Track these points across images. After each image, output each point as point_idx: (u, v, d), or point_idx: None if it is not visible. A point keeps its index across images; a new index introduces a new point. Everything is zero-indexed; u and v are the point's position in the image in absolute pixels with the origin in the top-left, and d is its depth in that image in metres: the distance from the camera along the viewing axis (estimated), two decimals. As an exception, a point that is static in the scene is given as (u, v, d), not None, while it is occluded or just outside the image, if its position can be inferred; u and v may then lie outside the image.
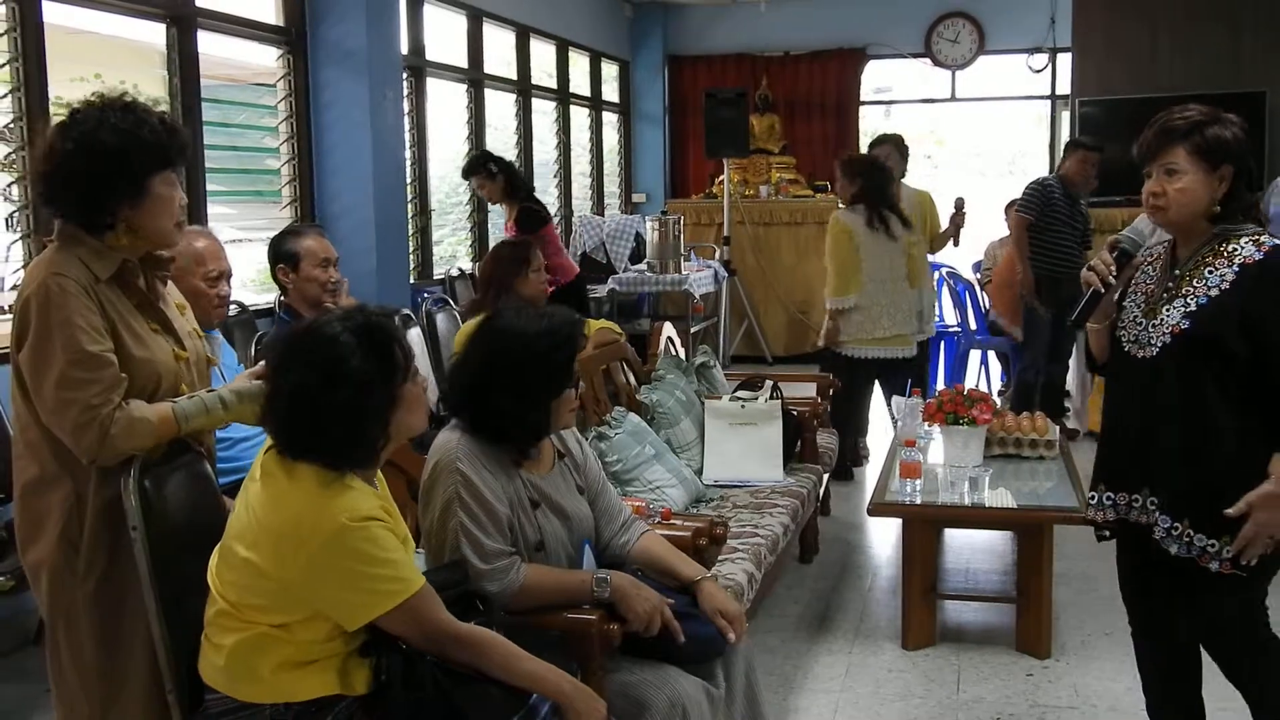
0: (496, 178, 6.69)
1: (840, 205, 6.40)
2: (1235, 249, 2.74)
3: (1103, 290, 2.89)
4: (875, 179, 6.15)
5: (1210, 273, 2.76)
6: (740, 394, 4.79)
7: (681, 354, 5.42)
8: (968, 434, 4.29)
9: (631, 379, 4.85)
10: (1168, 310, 2.80)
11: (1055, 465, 4.39)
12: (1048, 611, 3.94)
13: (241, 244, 5.55)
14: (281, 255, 3.87)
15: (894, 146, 6.64)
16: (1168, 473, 2.80)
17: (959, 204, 6.62)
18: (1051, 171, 7.66)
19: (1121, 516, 2.92)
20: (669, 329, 5.51)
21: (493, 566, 2.56)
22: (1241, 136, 2.73)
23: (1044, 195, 6.78)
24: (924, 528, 3.98)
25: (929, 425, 4.45)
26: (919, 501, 3.92)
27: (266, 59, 5.91)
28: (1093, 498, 2.97)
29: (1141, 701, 3.60)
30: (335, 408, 2.12)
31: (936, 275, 8.93)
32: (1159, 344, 2.80)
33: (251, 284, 5.73)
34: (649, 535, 2.91)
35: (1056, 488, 4.11)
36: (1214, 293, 2.76)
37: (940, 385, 8.50)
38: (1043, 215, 6.74)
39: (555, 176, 9.66)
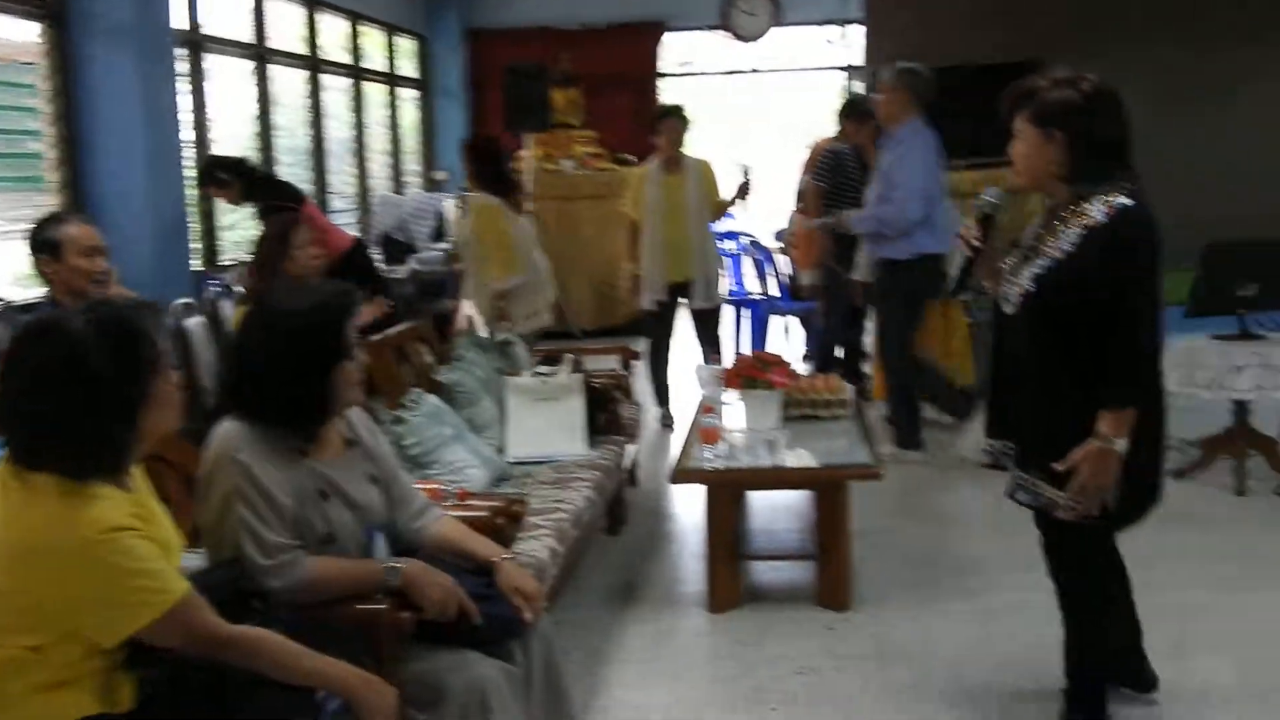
0: (230, 184, 6.33)
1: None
2: (1086, 211, 2.84)
3: (970, 255, 3.05)
4: (491, 163, 6.15)
5: (1061, 235, 2.87)
6: (541, 370, 4.76)
7: (484, 332, 5.35)
8: (765, 398, 4.36)
9: (430, 359, 4.75)
10: (1024, 271, 2.93)
11: (850, 424, 4.50)
12: (846, 566, 4.04)
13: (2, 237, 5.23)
14: (41, 244, 3.64)
15: (679, 118, 6.69)
16: (1021, 425, 2.99)
17: (745, 171, 6.72)
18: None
19: (998, 462, 3.12)
20: (469, 308, 5.42)
21: (276, 561, 2.46)
22: (1076, 101, 2.80)
23: (836, 162, 6.95)
24: (725, 492, 4.03)
25: (728, 391, 4.50)
26: (719, 467, 3.97)
27: (26, 35, 5.56)
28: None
29: (934, 649, 3.75)
30: (72, 410, 1.97)
31: (735, 244, 9.11)
32: (1016, 302, 2.94)
33: (20, 279, 5.40)
34: (444, 520, 2.85)
35: (851, 446, 4.22)
36: (1060, 255, 2.87)
37: (745, 351, 8.67)
38: (835, 181, 6.90)
39: (351, 155, 9.42)
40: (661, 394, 7.02)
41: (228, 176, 6.31)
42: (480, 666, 2.55)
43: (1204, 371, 5.09)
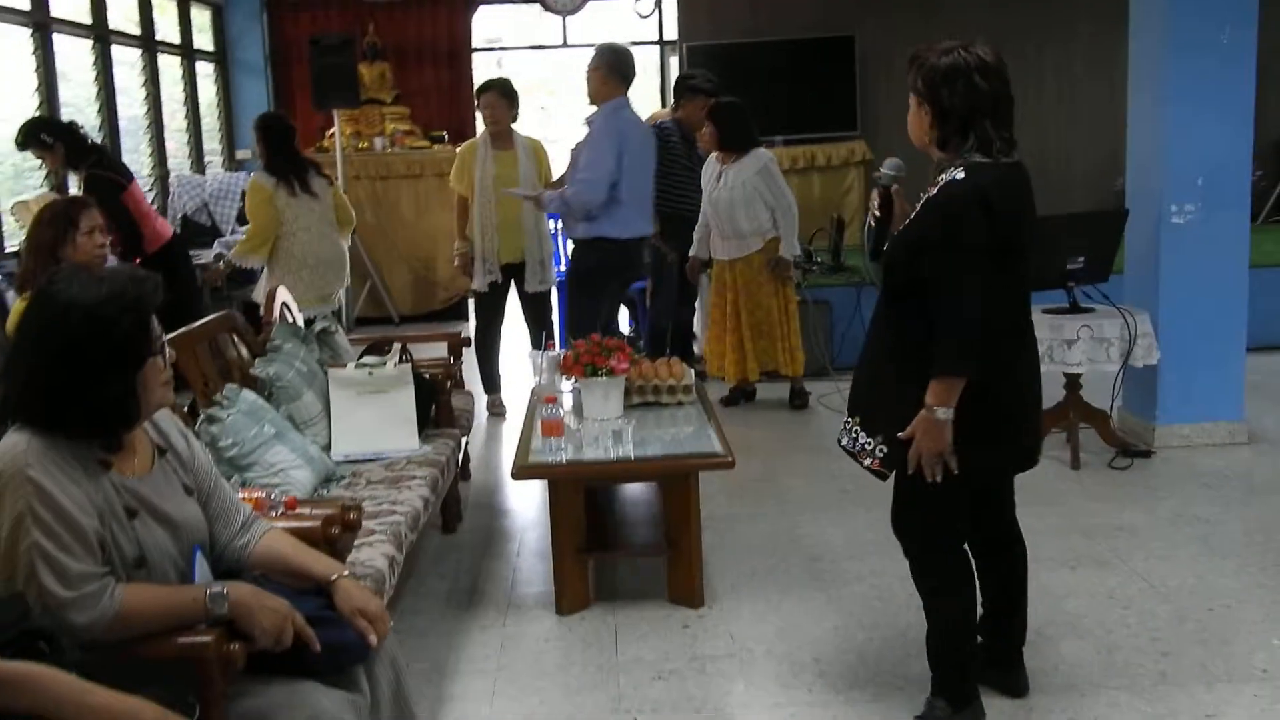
0: (54, 146, 5.95)
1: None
2: (937, 181, 2.86)
3: (873, 224, 3.19)
4: (277, 141, 5.98)
5: (918, 204, 2.92)
6: (367, 360, 4.44)
7: (300, 320, 4.98)
8: (607, 385, 4.16)
9: (244, 352, 4.38)
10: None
11: (694, 410, 4.33)
12: (698, 560, 3.87)
13: None
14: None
15: (499, 93, 6.40)
16: (857, 384, 3.07)
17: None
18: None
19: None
20: (284, 294, 5.05)
21: (79, 593, 2.13)
22: (937, 70, 2.82)
23: (661, 140, 6.78)
24: (570, 487, 3.81)
25: (568, 379, 4.27)
26: (563, 460, 3.74)
27: None
28: None
29: (794, 641, 3.62)
30: None
31: (557, 224, 8.88)
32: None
33: None
34: (273, 533, 2.55)
35: (697, 432, 4.05)
36: (904, 225, 2.95)
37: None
38: (661, 160, 6.74)
39: (146, 133, 8.79)
40: (491, 380, 6.76)
41: (51, 139, 5.92)
42: (321, 699, 2.27)
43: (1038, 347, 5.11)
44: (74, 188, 6.26)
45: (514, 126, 6.52)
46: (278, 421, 3.91)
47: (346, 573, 2.49)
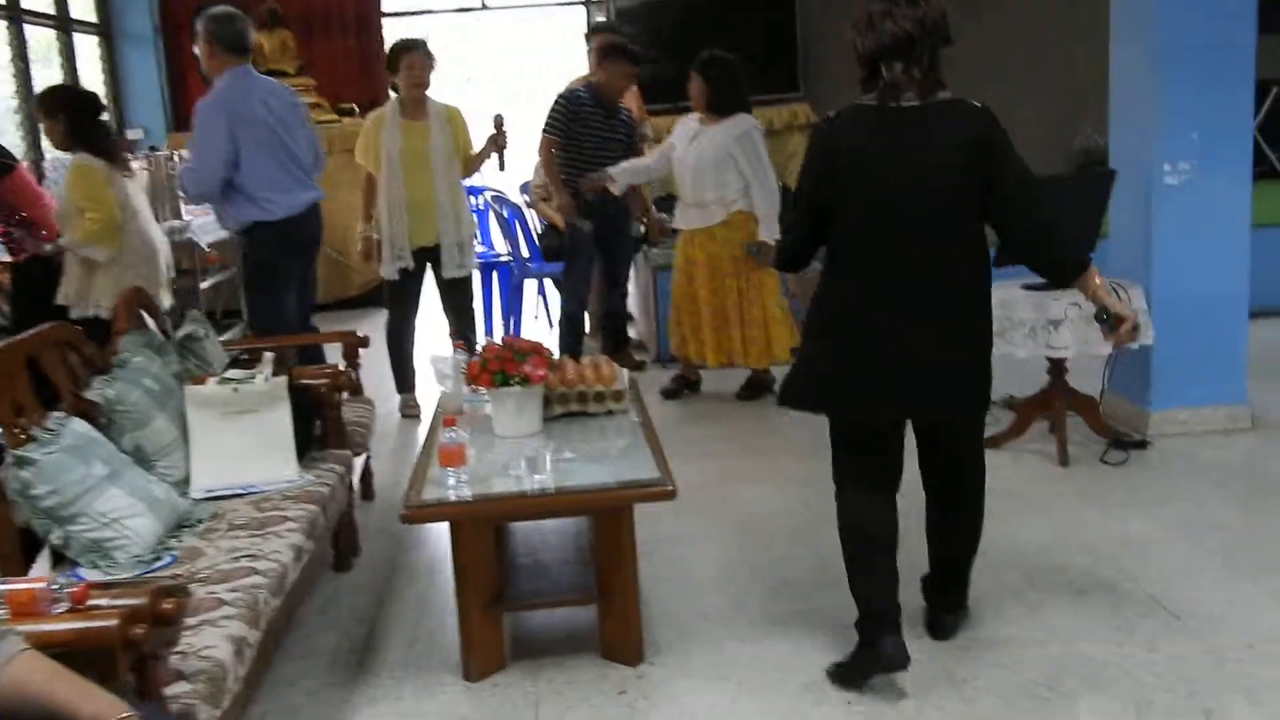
0: None
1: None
2: None
3: None
4: (90, 116, 5.10)
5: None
6: (231, 374, 3.69)
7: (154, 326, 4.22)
8: (521, 397, 3.45)
9: (80, 370, 3.61)
10: None
11: (627, 421, 3.64)
12: (635, 609, 3.19)
13: None
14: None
15: (423, 53, 5.65)
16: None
17: (498, 121, 5.77)
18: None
19: None
20: (141, 293, 4.27)
21: None
22: (855, 22, 2.93)
23: (570, 109, 6.08)
24: (476, 529, 3.10)
25: (475, 389, 3.56)
26: (466, 497, 3.02)
27: None
28: None
29: (756, 706, 2.96)
30: None
31: (480, 200, 8.14)
32: None
33: None
34: (24, 658, 1.82)
35: (630, 452, 3.34)
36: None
37: (497, 321, 7.72)
38: (571, 130, 6.05)
39: (17, 113, 7.91)
40: (404, 379, 6.03)
41: None
42: None
43: (1018, 329, 4.48)
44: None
45: (429, 95, 5.77)
46: (113, 458, 3.16)
47: (127, 714, 1.77)
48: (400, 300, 5.91)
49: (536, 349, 3.50)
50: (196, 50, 5.23)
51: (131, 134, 9.45)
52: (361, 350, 4.70)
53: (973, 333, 2.99)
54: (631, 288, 6.91)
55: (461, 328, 6.00)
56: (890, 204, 2.88)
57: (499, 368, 3.42)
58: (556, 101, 6.16)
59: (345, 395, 4.35)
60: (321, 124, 8.93)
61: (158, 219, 7.07)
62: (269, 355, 3.75)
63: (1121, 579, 3.53)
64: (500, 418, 3.50)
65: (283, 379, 3.66)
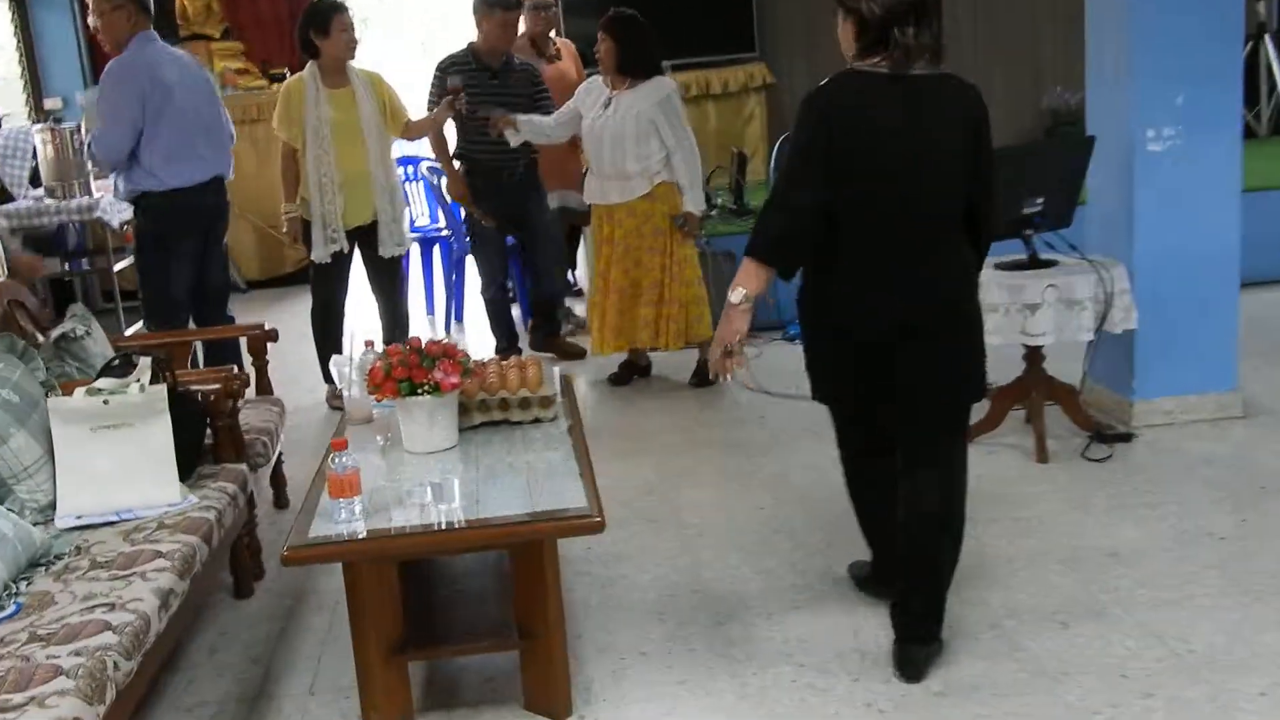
0: None
1: None
2: None
3: None
4: None
5: None
6: (101, 383, 3.23)
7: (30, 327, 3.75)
8: (432, 407, 3.02)
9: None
10: None
11: (556, 430, 3.21)
12: (560, 653, 2.77)
13: None
14: None
15: (348, 14, 5.19)
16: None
17: (455, 88, 5.32)
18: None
19: None
20: (12, 287, 3.81)
21: None
22: None
23: (442, 78, 5.58)
24: (374, 569, 2.67)
25: (377, 399, 3.12)
26: (359, 533, 2.59)
27: None
28: None
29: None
30: None
31: (406, 170, 7.68)
32: None
33: None
34: None
35: (557, 469, 2.91)
36: None
37: (440, 301, 7.25)
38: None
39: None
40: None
41: None
42: None
43: (991, 314, 4.07)
44: None
45: (348, 62, 5.30)
46: (-49, 488, 2.72)
47: None
48: (327, 282, 5.45)
49: (448, 351, 3.06)
50: (93, 19, 4.82)
51: (50, 103, 8.91)
52: (271, 344, 4.26)
53: (967, 316, 2.91)
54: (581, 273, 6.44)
55: (393, 309, 5.56)
56: (894, 180, 2.74)
57: (405, 375, 2.99)
58: (438, 69, 5.68)
59: (245, 398, 3.92)
60: (250, 90, 8.47)
61: (62, 195, 6.60)
62: (145, 360, 3.29)
63: (1111, 603, 3.15)
64: (409, 431, 3.07)
65: (161, 388, 3.21)
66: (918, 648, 2.87)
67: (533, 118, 5.40)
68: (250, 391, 4.13)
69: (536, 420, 3.25)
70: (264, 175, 8.47)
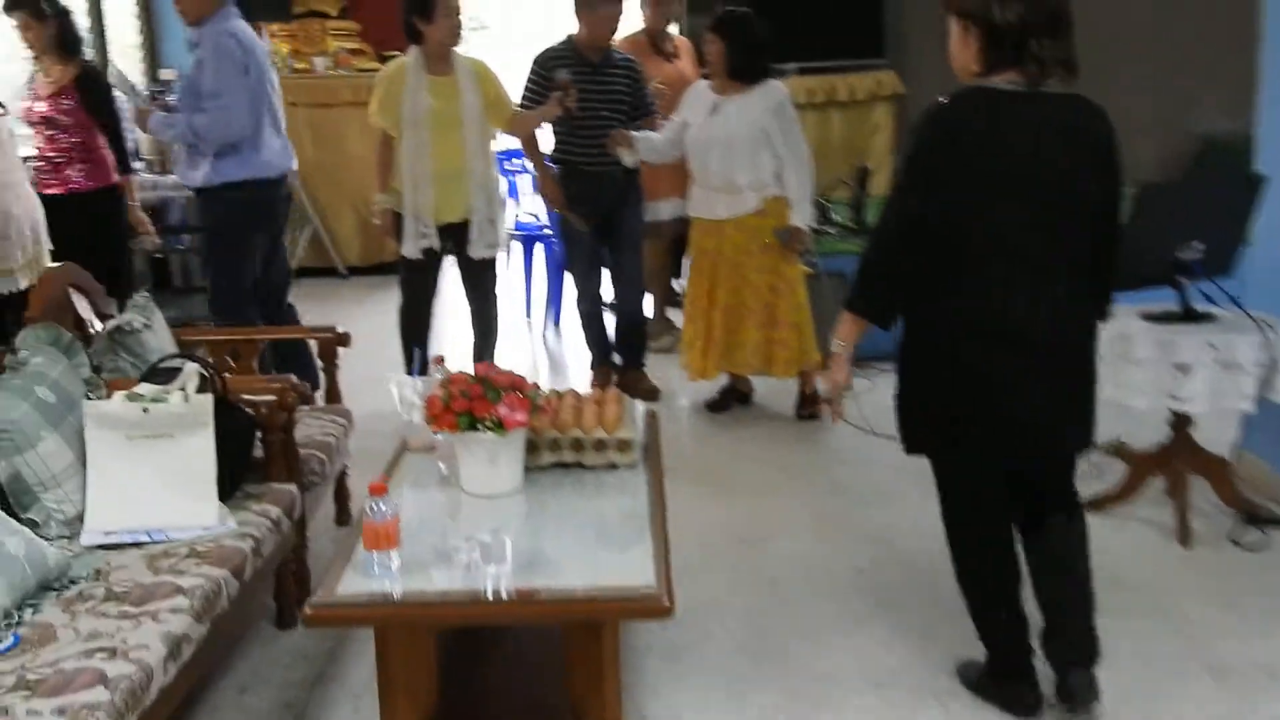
0: (48, 20, 5.17)
1: None
2: None
3: None
4: None
5: None
6: (142, 389, 2.96)
7: (95, 320, 3.52)
8: (494, 446, 2.68)
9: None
10: None
11: (633, 478, 2.85)
12: (617, 744, 2.41)
13: None
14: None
15: None
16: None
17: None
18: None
19: None
20: (73, 271, 3.57)
21: None
22: None
23: (544, 74, 5.19)
24: (408, 637, 2.35)
25: (439, 433, 2.79)
26: (393, 596, 2.26)
27: None
28: None
29: None
30: None
31: (514, 164, 7.41)
32: None
33: None
34: None
35: (628, 534, 2.55)
36: None
37: (541, 304, 6.93)
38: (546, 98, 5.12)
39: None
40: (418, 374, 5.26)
41: (50, 10, 5.17)
42: None
43: (1135, 370, 3.61)
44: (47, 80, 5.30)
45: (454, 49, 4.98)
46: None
47: None
48: (418, 281, 5.15)
49: (516, 383, 2.72)
50: None
51: (166, 74, 8.82)
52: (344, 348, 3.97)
53: (1090, 357, 2.70)
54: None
55: (484, 315, 5.25)
56: (1022, 208, 2.53)
57: (465, 407, 2.66)
58: (533, 67, 5.31)
59: (312, 406, 3.65)
60: (362, 72, 8.20)
61: (160, 169, 6.44)
62: (190, 367, 3.01)
63: (1265, 731, 2.69)
64: (468, 471, 2.74)
65: (206, 398, 2.93)
66: (1080, 671, 2.70)
67: (649, 136, 5.03)
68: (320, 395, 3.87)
69: (612, 465, 2.89)
70: (369, 159, 8.27)
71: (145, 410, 2.88)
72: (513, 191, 7.88)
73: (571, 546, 2.47)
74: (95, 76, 5.42)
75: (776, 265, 4.81)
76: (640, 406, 3.21)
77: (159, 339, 3.56)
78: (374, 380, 5.36)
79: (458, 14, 4.86)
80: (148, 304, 3.64)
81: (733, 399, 5.23)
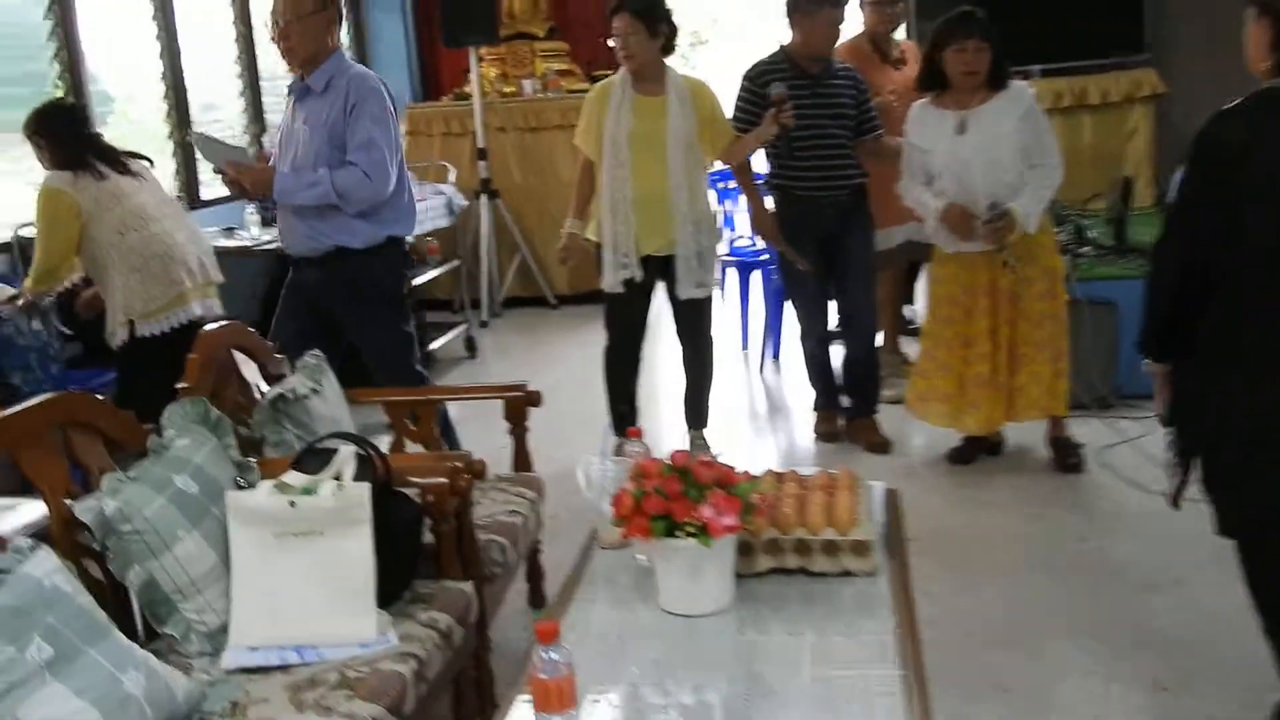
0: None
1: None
2: None
3: None
4: (67, 130, 4.34)
5: None
6: (291, 476, 2.54)
7: (261, 383, 3.17)
8: (697, 557, 2.14)
9: (100, 459, 2.57)
10: None
11: (873, 590, 2.26)
12: None
13: None
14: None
15: (632, 15, 4.33)
16: None
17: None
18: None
19: None
20: (236, 331, 3.23)
21: None
22: None
23: (757, 91, 4.57)
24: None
25: (628, 537, 2.27)
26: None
27: None
28: None
29: None
30: None
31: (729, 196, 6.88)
32: None
33: None
34: None
35: (870, 684, 1.96)
36: None
37: (755, 341, 6.37)
38: (762, 116, 4.49)
39: (239, 78, 7.21)
40: (621, 419, 4.79)
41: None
42: None
43: None
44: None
45: (668, 63, 4.49)
46: (72, 625, 2.07)
47: None
48: (622, 320, 4.68)
49: (723, 477, 2.18)
50: (278, 23, 3.81)
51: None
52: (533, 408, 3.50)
53: None
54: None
55: (695, 357, 4.74)
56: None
57: (662, 508, 2.13)
58: (744, 81, 4.70)
59: (495, 478, 3.21)
60: (572, 94, 7.84)
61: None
62: (346, 450, 2.58)
63: None
64: (666, 584, 2.21)
65: (363, 490, 2.49)
66: None
67: (924, 200, 4.28)
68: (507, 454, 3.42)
69: (846, 574, 2.31)
70: (578, 185, 7.92)
71: (292, 504, 2.47)
72: (727, 221, 7.39)
73: (798, 705, 1.90)
74: None
75: (1054, 288, 4.17)
76: (878, 490, 2.62)
77: (329, 406, 3.17)
78: (579, 421, 5.01)
79: (620, 37, 4.36)
80: (320, 364, 3.27)
81: (979, 449, 4.55)
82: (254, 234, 5.98)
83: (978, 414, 4.31)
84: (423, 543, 2.69)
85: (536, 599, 3.52)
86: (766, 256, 6.18)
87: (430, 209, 6.68)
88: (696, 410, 4.81)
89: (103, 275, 4.29)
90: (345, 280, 3.94)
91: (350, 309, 3.99)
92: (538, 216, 8.06)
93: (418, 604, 2.57)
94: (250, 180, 3.93)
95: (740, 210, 7.09)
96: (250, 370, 3.22)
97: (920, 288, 6.01)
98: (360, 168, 3.80)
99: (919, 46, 5.48)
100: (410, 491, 2.67)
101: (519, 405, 3.45)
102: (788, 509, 2.35)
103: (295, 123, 3.94)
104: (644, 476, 2.20)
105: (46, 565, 2.12)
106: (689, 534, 2.11)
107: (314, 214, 3.89)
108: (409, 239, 4.25)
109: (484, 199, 7.65)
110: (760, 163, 4.86)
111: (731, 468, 2.22)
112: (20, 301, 4.45)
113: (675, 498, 2.13)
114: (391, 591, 2.54)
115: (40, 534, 2.30)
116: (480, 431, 4.03)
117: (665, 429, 5.09)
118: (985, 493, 4.25)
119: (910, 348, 5.61)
